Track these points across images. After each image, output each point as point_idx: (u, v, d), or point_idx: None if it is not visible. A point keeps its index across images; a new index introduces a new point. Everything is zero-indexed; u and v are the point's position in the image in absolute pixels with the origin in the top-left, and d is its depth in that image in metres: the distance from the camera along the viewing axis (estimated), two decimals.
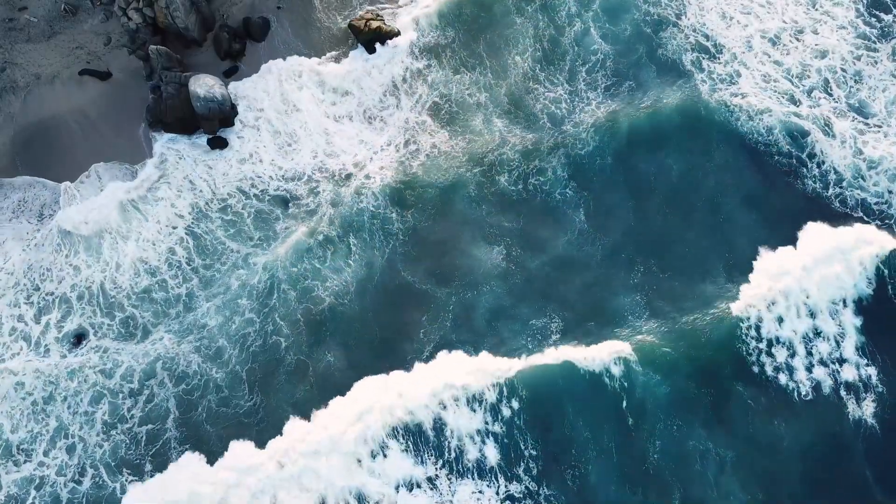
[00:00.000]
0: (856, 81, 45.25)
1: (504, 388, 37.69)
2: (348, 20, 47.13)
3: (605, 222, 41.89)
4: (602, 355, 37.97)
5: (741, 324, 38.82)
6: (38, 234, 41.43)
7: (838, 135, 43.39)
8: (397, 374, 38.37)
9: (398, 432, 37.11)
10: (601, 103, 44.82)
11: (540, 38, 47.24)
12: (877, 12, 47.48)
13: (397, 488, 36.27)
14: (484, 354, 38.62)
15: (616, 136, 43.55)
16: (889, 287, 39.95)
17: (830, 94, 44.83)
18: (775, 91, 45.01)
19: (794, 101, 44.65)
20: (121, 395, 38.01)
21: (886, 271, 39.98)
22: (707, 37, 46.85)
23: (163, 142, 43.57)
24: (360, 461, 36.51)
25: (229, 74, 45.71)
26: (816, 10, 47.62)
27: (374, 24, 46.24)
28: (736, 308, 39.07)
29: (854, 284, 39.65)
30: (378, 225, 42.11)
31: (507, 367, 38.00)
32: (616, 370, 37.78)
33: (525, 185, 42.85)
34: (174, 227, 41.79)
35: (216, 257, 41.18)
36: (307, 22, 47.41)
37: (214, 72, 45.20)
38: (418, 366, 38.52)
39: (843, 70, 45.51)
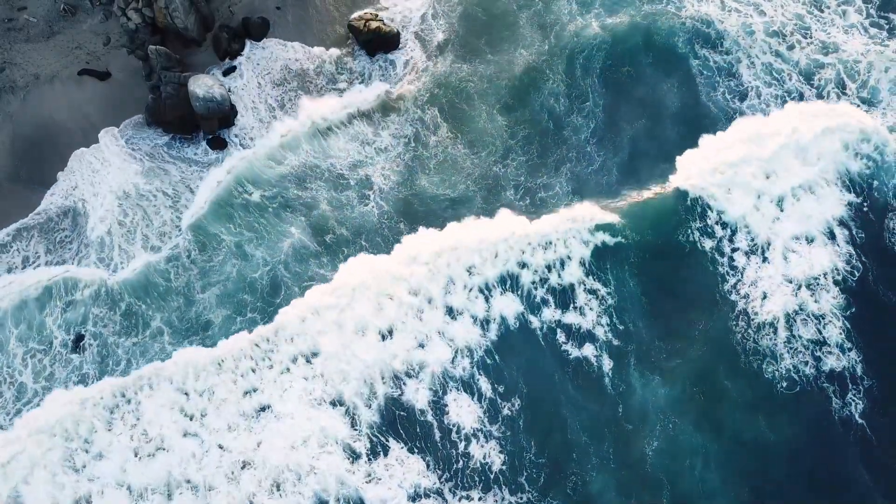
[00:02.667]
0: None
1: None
2: (347, 20, 47.27)
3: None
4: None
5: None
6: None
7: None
8: None
9: None
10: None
11: (544, 35, 47.86)
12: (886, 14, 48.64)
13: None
14: None
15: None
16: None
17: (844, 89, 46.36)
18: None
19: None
20: None
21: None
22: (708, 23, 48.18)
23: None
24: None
25: (228, 74, 45.78)
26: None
27: (374, 24, 46.35)
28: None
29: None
30: (385, 232, 42.44)
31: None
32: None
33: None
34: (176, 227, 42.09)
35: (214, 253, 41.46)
36: (306, 22, 47.48)
37: (213, 71, 45.40)
38: None
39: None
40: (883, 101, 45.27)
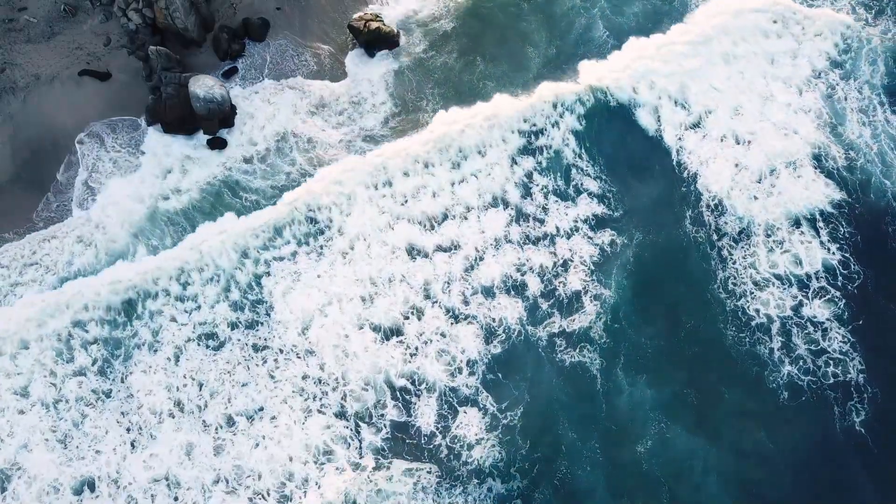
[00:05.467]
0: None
1: None
2: (347, 21, 47.02)
3: None
4: None
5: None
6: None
7: None
8: None
9: None
10: None
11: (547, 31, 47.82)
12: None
13: None
14: None
15: None
16: None
17: None
18: None
19: None
20: None
21: None
22: None
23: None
24: None
25: (229, 75, 45.70)
26: None
27: (374, 24, 46.09)
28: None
29: None
30: None
31: None
32: None
33: None
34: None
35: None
36: (306, 23, 47.31)
37: (214, 72, 45.28)
38: None
39: None
40: None
